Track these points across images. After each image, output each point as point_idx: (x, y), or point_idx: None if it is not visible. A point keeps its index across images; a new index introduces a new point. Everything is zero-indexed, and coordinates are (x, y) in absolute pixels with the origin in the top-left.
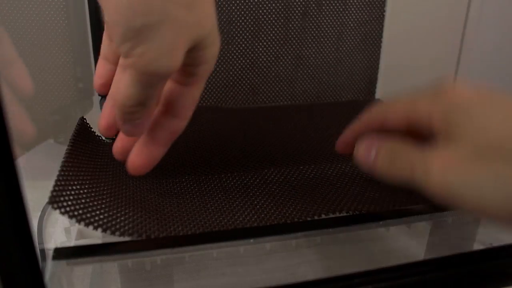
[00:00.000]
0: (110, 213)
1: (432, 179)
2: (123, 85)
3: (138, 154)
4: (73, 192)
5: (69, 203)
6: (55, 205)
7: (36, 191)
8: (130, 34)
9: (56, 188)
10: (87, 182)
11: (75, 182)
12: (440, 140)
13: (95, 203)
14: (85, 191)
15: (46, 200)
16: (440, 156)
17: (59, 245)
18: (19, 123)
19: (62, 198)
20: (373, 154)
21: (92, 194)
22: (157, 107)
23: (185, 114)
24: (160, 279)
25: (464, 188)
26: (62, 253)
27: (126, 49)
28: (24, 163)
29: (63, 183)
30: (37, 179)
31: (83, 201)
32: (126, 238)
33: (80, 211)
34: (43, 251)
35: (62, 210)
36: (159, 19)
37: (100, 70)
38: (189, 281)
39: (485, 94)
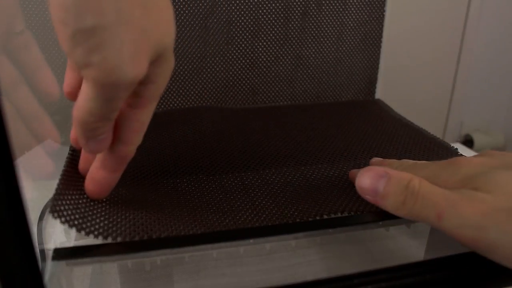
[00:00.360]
0: (111, 219)
1: (465, 223)
2: (82, 99)
3: (90, 180)
4: (73, 202)
5: (69, 212)
6: (55, 214)
7: (36, 191)
8: (81, 36)
9: (57, 197)
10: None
11: (75, 192)
12: (460, 190)
13: (95, 211)
14: (85, 199)
15: (46, 200)
16: (474, 202)
17: (58, 246)
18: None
19: (62, 207)
20: (382, 186)
21: (92, 202)
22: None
23: (132, 139)
24: (160, 280)
25: (501, 235)
26: (61, 254)
27: (80, 57)
28: (24, 163)
29: (63, 191)
30: (37, 179)
31: (82, 210)
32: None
33: (80, 220)
34: (42, 251)
35: (63, 219)
36: (113, 19)
37: (67, 79)
38: (189, 282)
39: (491, 159)
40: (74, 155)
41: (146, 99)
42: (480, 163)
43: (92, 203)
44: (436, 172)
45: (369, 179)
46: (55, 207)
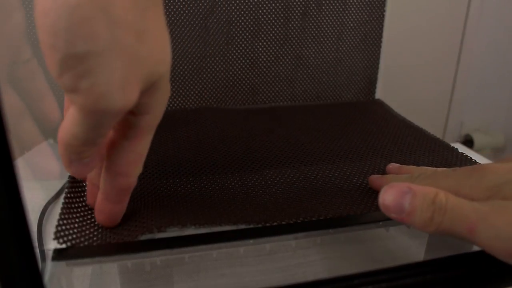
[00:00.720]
0: (116, 232)
1: (499, 235)
2: (68, 122)
3: (98, 212)
4: (76, 225)
5: (74, 236)
6: (61, 240)
7: (36, 191)
8: (71, 62)
9: (61, 222)
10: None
11: (79, 214)
12: (488, 202)
13: (100, 230)
14: (89, 219)
15: (46, 200)
16: (506, 212)
17: (58, 246)
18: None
19: (67, 232)
20: (407, 203)
21: (96, 222)
22: (102, 162)
23: (131, 170)
24: (159, 280)
25: None
26: (61, 254)
27: (69, 82)
28: (24, 163)
29: (67, 216)
30: (37, 179)
31: (87, 232)
32: (126, 239)
33: (86, 243)
34: (42, 252)
35: (69, 243)
36: (106, 45)
37: (66, 105)
38: (188, 282)
39: None
40: (74, 179)
41: (142, 129)
42: (507, 170)
43: (95, 222)
44: (460, 181)
45: (392, 196)
46: (59, 232)
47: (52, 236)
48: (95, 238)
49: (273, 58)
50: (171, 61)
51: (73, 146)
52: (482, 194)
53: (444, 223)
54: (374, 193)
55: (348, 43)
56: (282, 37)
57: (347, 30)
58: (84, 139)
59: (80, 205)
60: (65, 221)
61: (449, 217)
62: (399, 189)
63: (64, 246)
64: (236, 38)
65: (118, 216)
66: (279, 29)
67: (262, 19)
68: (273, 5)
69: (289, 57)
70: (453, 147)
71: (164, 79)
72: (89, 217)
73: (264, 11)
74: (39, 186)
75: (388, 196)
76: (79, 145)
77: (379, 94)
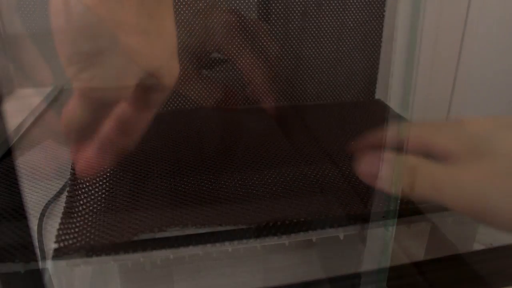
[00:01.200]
0: (115, 234)
1: (464, 193)
2: (69, 103)
3: (87, 159)
4: (78, 225)
5: (75, 240)
6: (61, 244)
7: (36, 191)
8: (76, 58)
9: (62, 227)
10: (93, 210)
11: (80, 214)
12: (460, 160)
13: (100, 229)
14: (90, 219)
15: (46, 200)
16: (471, 171)
17: (58, 246)
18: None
19: (68, 236)
20: (382, 170)
21: (96, 224)
22: (109, 124)
23: (135, 134)
24: (160, 279)
25: (502, 199)
26: (61, 254)
27: (72, 73)
28: (24, 163)
29: (68, 220)
30: (37, 179)
31: (88, 234)
32: (126, 239)
33: (86, 243)
34: (42, 251)
35: (70, 242)
36: (108, 45)
37: None
38: (189, 281)
39: (497, 120)
40: (76, 180)
41: (151, 103)
42: (485, 124)
43: (95, 222)
44: (443, 133)
45: (367, 163)
46: (61, 237)
47: (53, 235)
48: (95, 238)
49: (273, 58)
50: (171, 52)
51: (70, 125)
52: (463, 147)
53: (416, 188)
54: (369, 192)
55: (348, 43)
56: (282, 37)
57: (347, 30)
58: (81, 122)
59: (81, 204)
60: (67, 221)
61: (420, 181)
62: (373, 156)
63: (64, 245)
64: (236, 38)
65: (103, 167)
66: (279, 29)
67: (262, 19)
68: (273, 5)
69: (289, 57)
70: None
71: (162, 68)
72: (89, 217)
73: (264, 11)
74: (39, 186)
75: (363, 163)
76: (76, 125)
77: (379, 94)
